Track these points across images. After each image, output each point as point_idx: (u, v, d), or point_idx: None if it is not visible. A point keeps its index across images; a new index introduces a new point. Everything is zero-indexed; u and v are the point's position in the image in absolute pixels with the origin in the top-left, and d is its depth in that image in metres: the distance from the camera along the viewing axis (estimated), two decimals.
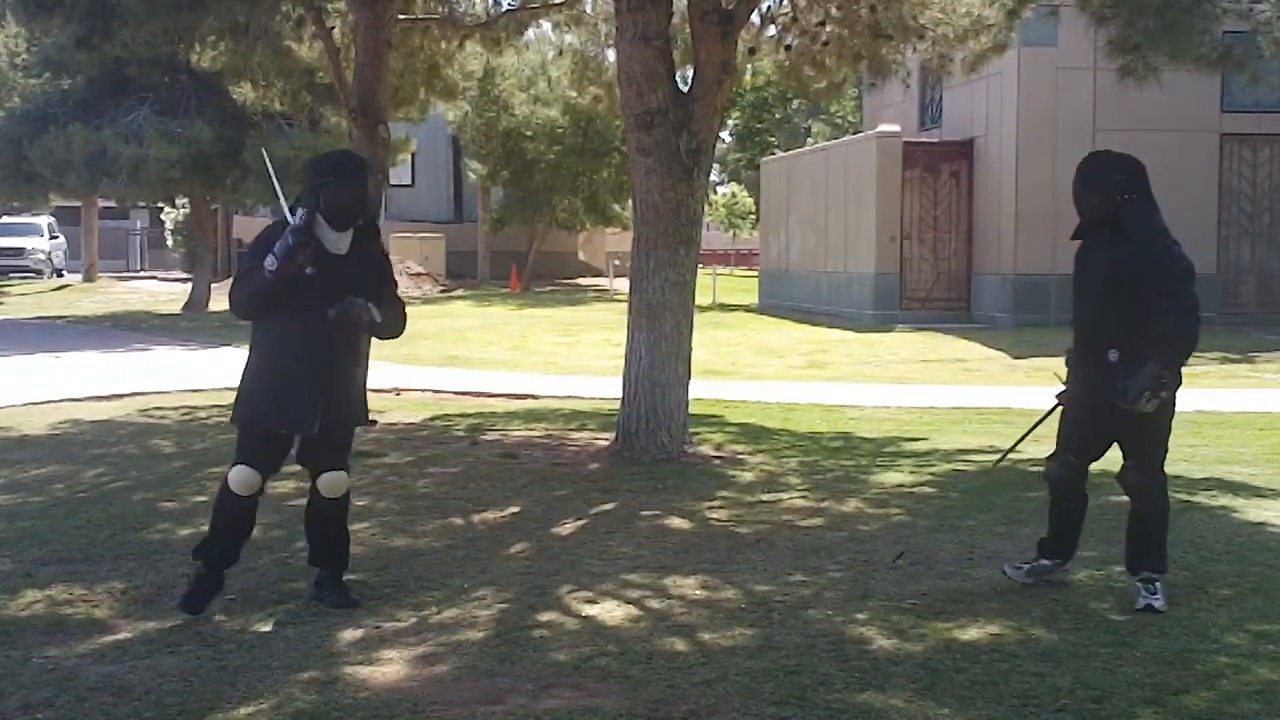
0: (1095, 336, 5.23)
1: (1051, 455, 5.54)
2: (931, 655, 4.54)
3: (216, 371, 14.06)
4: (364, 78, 10.74)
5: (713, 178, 42.49)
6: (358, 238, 5.07)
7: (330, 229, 4.98)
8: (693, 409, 9.28)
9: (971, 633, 4.81)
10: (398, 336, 5.29)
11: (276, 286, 4.85)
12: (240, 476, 5.03)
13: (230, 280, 5.24)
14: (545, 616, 5.04)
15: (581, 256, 40.78)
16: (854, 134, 29.64)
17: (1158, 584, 5.18)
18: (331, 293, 4.88)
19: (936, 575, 5.64)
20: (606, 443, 9.04)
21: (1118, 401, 5.06)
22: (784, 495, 7.52)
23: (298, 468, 5.35)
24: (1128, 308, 5.08)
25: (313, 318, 4.88)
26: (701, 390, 11.13)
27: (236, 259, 31.41)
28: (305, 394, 4.94)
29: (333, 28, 11.44)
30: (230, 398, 5.41)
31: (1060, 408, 5.41)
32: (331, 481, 5.15)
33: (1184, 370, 5.15)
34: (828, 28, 10.59)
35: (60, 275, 38.08)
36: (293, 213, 4.95)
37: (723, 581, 5.55)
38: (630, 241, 9.20)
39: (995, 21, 10.44)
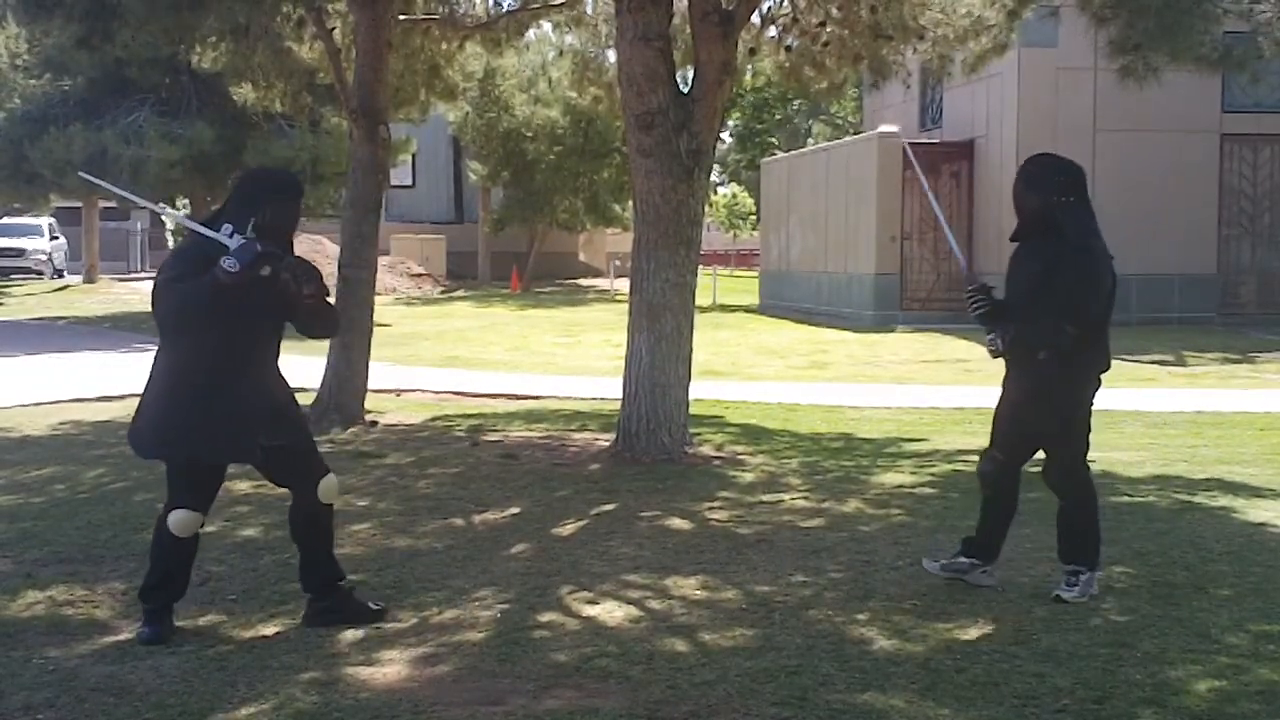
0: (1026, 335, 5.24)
1: (984, 451, 5.55)
2: (932, 655, 4.54)
3: None
4: (364, 78, 10.75)
5: (713, 178, 42.53)
6: None
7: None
8: (693, 409, 9.28)
9: (972, 633, 4.81)
10: (333, 335, 5.03)
11: (221, 294, 4.51)
12: (181, 520, 4.78)
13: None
14: (546, 617, 5.04)
15: (582, 257, 40.81)
16: (854, 134, 29.65)
17: (1081, 578, 5.23)
18: (262, 312, 4.66)
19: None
20: (607, 443, 9.04)
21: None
22: (785, 496, 7.52)
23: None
24: (1055, 306, 5.10)
25: (245, 342, 4.70)
26: (702, 391, 11.13)
27: None
28: (246, 421, 4.75)
29: (333, 28, 11.45)
30: None
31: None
32: (329, 486, 4.98)
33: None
34: (828, 28, 10.60)
35: (61, 276, 38.05)
36: (214, 227, 4.67)
37: (723, 582, 5.55)
38: (631, 242, 9.20)
39: (995, 22, 10.46)
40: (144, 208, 4.98)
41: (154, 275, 4.98)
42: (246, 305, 4.61)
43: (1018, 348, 5.22)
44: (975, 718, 3.99)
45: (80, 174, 6.36)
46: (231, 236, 4.62)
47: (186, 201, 34.07)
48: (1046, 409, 5.23)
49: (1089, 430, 5.38)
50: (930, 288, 22.32)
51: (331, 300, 4.80)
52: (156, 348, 4.89)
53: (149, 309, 4.93)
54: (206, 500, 4.89)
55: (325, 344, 10.36)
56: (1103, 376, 5.32)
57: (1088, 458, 5.42)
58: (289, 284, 4.62)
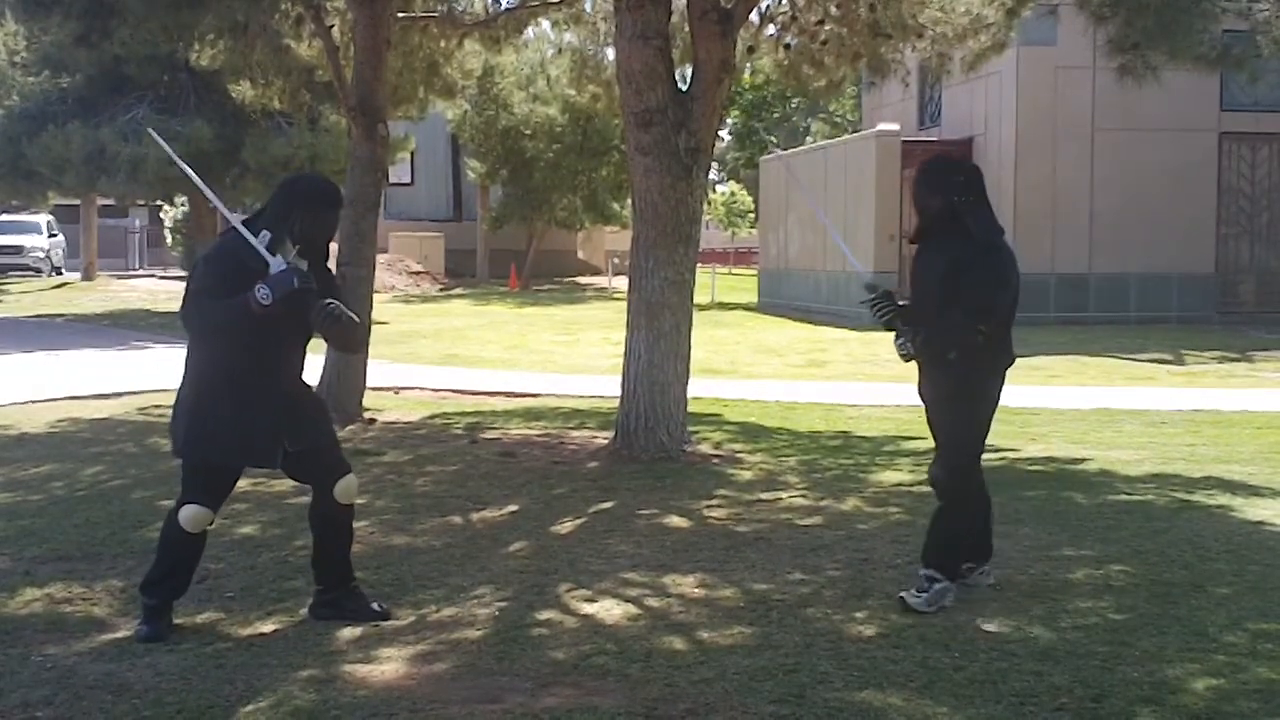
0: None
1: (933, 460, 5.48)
2: (930, 653, 4.54)
3: None
4: (363, 76, 10.75)
5: (712, 176, 42.50)
6: (313, 262, 4.86)
7: (295, 256, 4.74)
8: (692, 408, 9.28)
9: (970, 631, 4.81)
10: (359, 352, 5.04)
11: (252, 317, 4.56)
12: (193, 515, 4.78)
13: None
14: (544, 615, 5.04)
15: (580, 255, 40.83)
16: (853, 133, 29.64)
17: (935, 586, 5.08)
18: (296, 322, 4.68)
19: None
20: (605, 441, 9.04)
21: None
22: (783, 494, 7.52)
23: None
24: (964, 305, 5.05)
25: (272, 349, 4.72)
26: (700, 389, 11.13)
27: None
28: (271, 428, 4.78)
29: (332, 26, 11.45)
30: None
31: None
32: (347, 486, 4.99)
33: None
34: (827, 26, 10.60)
35: (59, 273, 38.05)
36: (252, 230, 4.68)
37: (721, 580, 5.55)
38: (629, 240, 9.20)
39: (994, 20, 10.46)
40: (207, 195, 5.08)
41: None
42: (274, 325, 4.64)
43: (929, 350, 5.18)
44: (973, 716, 3.99)
45: (150, 131, 6.52)
46: (268, 248, 4.62)
47: (185, 199, 34.07)
48: (964, 405, 5.19)
49: (987, 431, 5.31)
50: None
51: (357, 321, 4.82)
52: (187, 347, 4.89)
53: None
54: (219, 499, 4.91)
55: (323, 341, 10.35)
56: (1008, 371, 5.28)
57: (981, 460, 5.32)
58: (315, 324, 4.68)
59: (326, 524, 5.04)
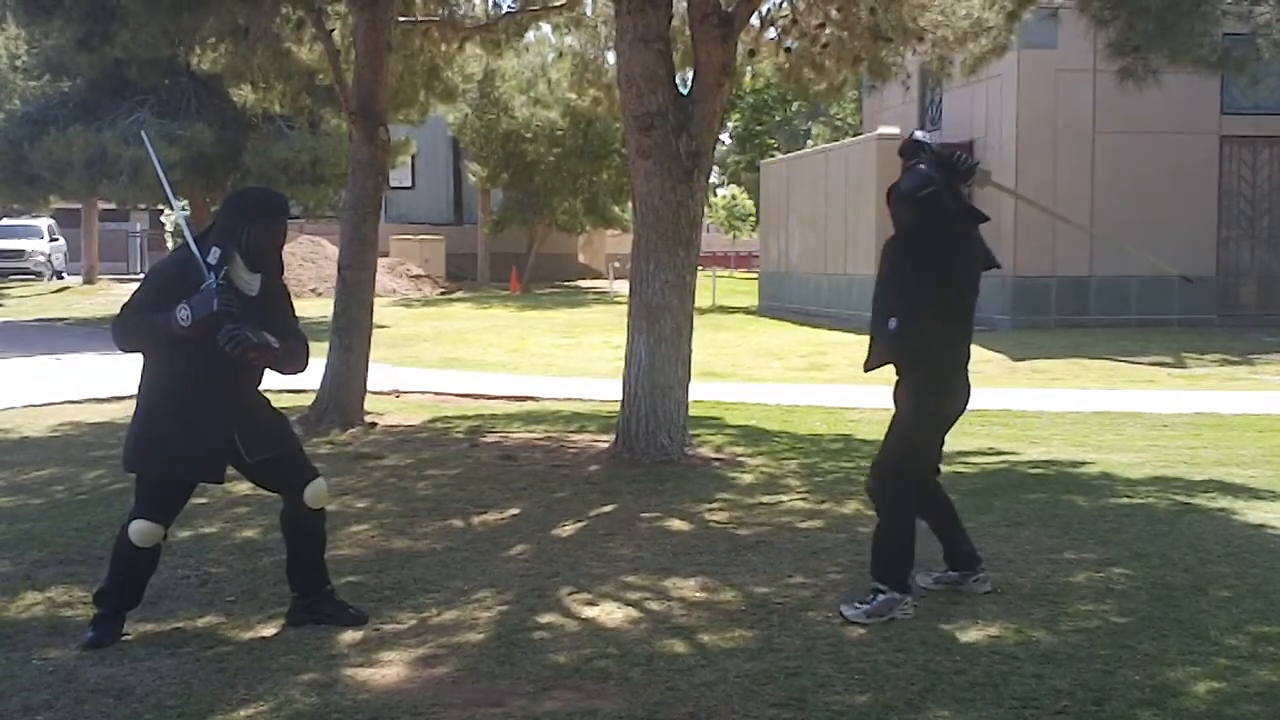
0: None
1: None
2: (931, 657, 4.54)
3: None
4: (364, 80, 10.76)
5: (712, 180, 42.54)
6: (266, 274, 4.84)
7: (246, 269, 4.74)
8: (693, 411, 9.28)
9: (971, 634, 4.81)
10: (301, 371, 5.01)
11: (178, 337, 4.55)
12: (143, 531, 4.75)
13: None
14: (545, 618, 5.04)
15: (581, 258, 40.86)
16: (854, 136, 29.65)
17: (878, 598, 5.00)
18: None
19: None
20: (606, 445, 9.04)
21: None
22: (784, 497, 7.52)
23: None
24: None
25: (221, 364, 4.62)
26: (701, 392, 11.13)
27: None
28: (218, 442, 4.75)
29: (333, 30, 11.46)
30: None
31: None
32: (317, 491, 4.94)
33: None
34: (827, 30, 10.61)
35: (60, 277, 38.10)
36: (202, 249, 4.65)
37: (722, 583, 5.55)
38: (630, 243, 9.20)
39: (995, 24, 10.46)
40: (170, 199, 5.10)
41: None
42: (198, 338, 4.58)
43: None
44: (974, 719, 3.99)
45: (143, 133, 6.50)
46: (210, 270, 4.60)
47: (186, 203, 34.10)
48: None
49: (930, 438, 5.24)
50: None
51: (274, 347, 4.70)
52: (142, 362, 4.87)
53: None
54: (170, 514, 4.86)
55: (325, 345, 10.37)
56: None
57: (914, 472, 5.24)
58: (225, 350, 4.55)
59: (298, 529, 4.99)
